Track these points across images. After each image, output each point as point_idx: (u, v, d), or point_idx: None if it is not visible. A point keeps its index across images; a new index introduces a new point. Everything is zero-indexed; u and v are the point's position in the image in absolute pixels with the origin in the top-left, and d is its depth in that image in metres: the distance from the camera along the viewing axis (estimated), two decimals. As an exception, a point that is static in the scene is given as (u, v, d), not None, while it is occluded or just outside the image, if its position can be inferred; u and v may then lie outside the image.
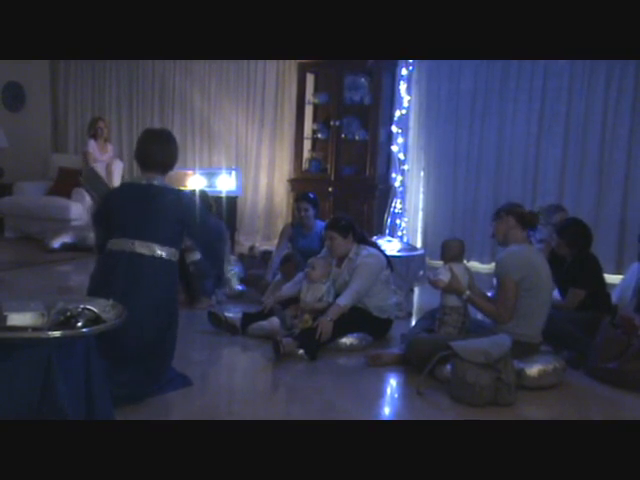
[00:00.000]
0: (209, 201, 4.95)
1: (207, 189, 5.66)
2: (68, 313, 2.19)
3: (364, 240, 4.11)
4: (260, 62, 7.11)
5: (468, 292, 3.49)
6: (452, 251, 3.66)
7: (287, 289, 4.21)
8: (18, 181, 7.44)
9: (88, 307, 2.24)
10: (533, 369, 3.28)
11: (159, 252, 2.94)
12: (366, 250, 3.99)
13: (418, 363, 3.36)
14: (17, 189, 7.34)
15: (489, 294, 3.84)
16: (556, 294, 3.97)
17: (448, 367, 3.21)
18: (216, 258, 3.26)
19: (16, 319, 2.16)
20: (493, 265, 5.74)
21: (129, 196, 3.07)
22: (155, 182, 3.03)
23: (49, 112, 8.01)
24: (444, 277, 3.52)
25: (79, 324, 2.16)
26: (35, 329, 2.13)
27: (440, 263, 3.80)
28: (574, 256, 3.99)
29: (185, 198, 3.10)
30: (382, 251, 4.18)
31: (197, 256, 4.68)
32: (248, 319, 4.02)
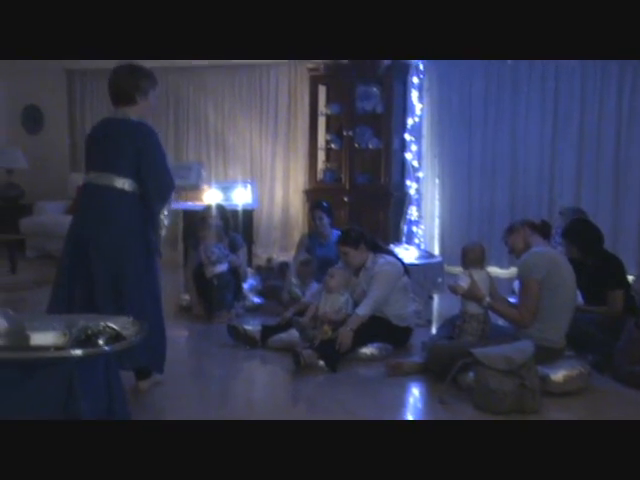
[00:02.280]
0: (227, 215, 4.99)
1: (223, 203, 5.69)
2: (89, 331, 2.22)
3: (379, 248, 4.10)
4: (272, 75, 7.16)
5: (488, 299, 3.46)
6: (472, 256, 3.63)
7: (307, 299, 4.23)
8: (38, 201, 7.56)
9: (109, 325, 2.25)
10: (558, 374, 3.23)
11: (117, 184, 2.93)
12: (383, 258, 3.99)
13: (439, 371, 3.33)
14: (37, 209, 7.46)
15: (511, 300, 3.81)
16: (579, 299, 3.91)
17: (470, 374, 3.19)
18: (152, 207, 3.06)
19: (39, 338, 2.18)
20: (512, 270, 5.73)
21: (95, 133, 3.11)
22: (119, 115, 3.04)
23: (67, 133, 8.13)
24: (463, 283, 3.50)
25: (100, 342, 2.18)
26: (57, 348, 2.15)
27: (459, 269, 3.78)
28: (594, 258, 3.93)
29: (144, 128, 3.02)
30: (399, 258, 4.17)
31: (219, 269, 4.72)
32: (267, 331, 4.03)
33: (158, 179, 2.99)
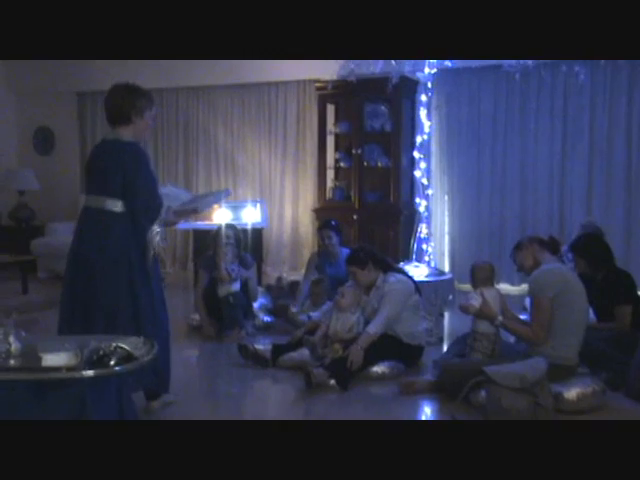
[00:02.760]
0: (239, 235, 5.01)
1: (233, 222, 5.71)
2: (101, 352, 2.22)
3: (389, 266, 4.09)
4: (281, 95, 7.22)
5: (500, 318, 3.44)
6: (482, 275, 3.63)
7: (316, 318, 4.22)
8: (49, 222, 7.62)
9: (120, 345, 2.26)
10: (571, 392, 3.20)
11: (109, 206, 2.94)
12: (393, 277, 3.98)
13: (451, 389, 3.31)
14: (48, 230, 7.52)
15: (522, 317, 3.78)
16: (591, 316, 3.88)
17: (483, 393, 3.16)
18: (140, 225, 2.98)
19: (51, 360, 2.19)
20: (523, 287, 5.70)
21: (91, 156, 3.13)
22: (110, 136, 3.05)
23: (78, 154, 8.21)
24: (475, 302, 3.48)
25: (112, 362, 2.19)
26: (69, 369, 2.16)
27: (470, 287, 3.76)
28: (604, 273, 3.92)
29: (129, 147, 2.98)
30: (410, 276, 4.16)
31: (235, 287, 4.74)
32: (278, 350, 4.01)
33: (143, 199, 2.96)
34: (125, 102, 2.99)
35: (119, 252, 2.96)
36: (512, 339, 3.69)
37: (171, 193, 3.27)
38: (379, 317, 3.81)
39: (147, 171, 3.02)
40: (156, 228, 2.97)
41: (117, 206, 2.96)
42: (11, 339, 2.27)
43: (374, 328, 3.77)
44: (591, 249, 3.99)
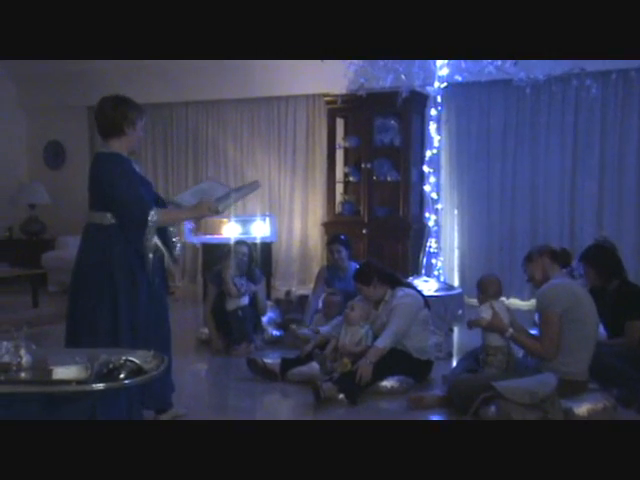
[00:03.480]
0: (253, 253, 5.03)
1: (242, 236, 5.72)
2: (111, 365, 2.22)
3: (398, 282, 4.08)
4: (290, 109, 7.26)
5: (511, 330, 3.42)
6: (492, 288, 3.61)
7: (326, 332, 4.21)
8: (60, 236, 7.67)
9: (130, 359, 2.26)
10: (582, 408, 3.17)
11: (96, 219, 2.97)
12: (402, 291, 3.97)
13: (461, 405, 3.29)
14: (59, 244, 7.57)
15: (532, 331, 3.76)
16: (602, 331, 3.85)
17: (492, 408, 3.14)
18: (132, 235, 2.96)
19: (61, 373, 2.20)
20: (533, 302, 5.66)
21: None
22: (99, 150, 3.09)
23: (88, 168, 8.27)
24: (486, 315, 3.47)
25: (122, 376, 2.19)
26: (79, 382, 2.16)
27: (478, 301, 3.74)
28: (614, 286, 3.89)
29: (102, 157, 3.00)
30: (419, 291, 4.15)
31: (244, 301, 4.74)
32: (287, 365, 4.01)
33: (122, 207, 2.94)
34: (117, 114, 2.98)
35: (102, 263, 2.95)
36: (521, 353, 3.67)
37: (207, 188, 3.24)
38: (388, 331, 3.80)
39: (125, 180, 2.95)
40: (150, 234, 2.92)
41: (104, 218, 2.96)
42: (22, 352, 2.28)
43: (383, 342, 3.76)
44: (600, 259, 3.97)
